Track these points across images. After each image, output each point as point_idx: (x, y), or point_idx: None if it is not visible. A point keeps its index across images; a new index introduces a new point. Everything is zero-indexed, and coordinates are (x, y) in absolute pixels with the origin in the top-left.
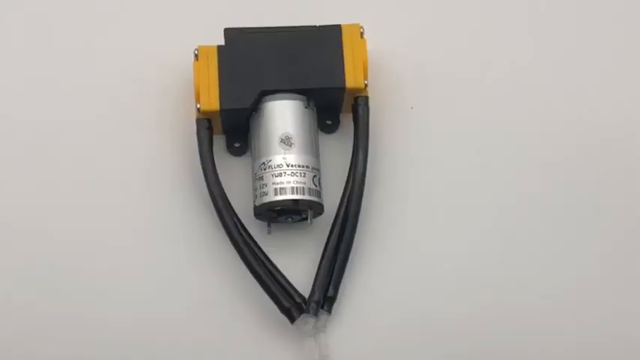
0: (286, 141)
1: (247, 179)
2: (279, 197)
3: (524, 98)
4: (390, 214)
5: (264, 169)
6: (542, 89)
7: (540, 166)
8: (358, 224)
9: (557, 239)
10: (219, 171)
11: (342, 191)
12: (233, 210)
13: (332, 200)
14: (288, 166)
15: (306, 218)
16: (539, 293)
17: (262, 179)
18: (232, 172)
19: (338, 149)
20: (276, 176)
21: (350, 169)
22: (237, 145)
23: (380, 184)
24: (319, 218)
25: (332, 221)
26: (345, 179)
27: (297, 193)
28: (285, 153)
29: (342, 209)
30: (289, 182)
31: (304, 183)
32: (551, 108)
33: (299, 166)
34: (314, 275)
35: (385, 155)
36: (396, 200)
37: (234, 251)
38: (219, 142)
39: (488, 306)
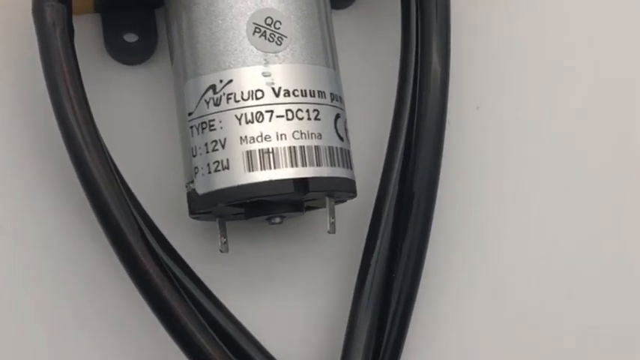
0: (268, 30)
1: (165, 123)
2: (265, 175)
3: None
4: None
5: (219, 103)
6: None
7: None
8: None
9: None
10: (95, 102)
11: (385, 148)
12: (135, 201)
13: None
14: (278, 94)
15: (301, 210)
16: None
17: (212, 128)
18: (124, 105)
19: (361, 44)
20: (250, 121)
21: (400, 94)
22: (130, 38)
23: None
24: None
25: (371, 216)
26: (382, 119)
27: (307, 164)
28: (267, 62)
29: (390, 189)
30: (284, 136)
31: (319, 137)
32: None
33: (305, 93)
34: (342, 342)
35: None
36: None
37: (141, 295)
38: (89, 33)
39: None
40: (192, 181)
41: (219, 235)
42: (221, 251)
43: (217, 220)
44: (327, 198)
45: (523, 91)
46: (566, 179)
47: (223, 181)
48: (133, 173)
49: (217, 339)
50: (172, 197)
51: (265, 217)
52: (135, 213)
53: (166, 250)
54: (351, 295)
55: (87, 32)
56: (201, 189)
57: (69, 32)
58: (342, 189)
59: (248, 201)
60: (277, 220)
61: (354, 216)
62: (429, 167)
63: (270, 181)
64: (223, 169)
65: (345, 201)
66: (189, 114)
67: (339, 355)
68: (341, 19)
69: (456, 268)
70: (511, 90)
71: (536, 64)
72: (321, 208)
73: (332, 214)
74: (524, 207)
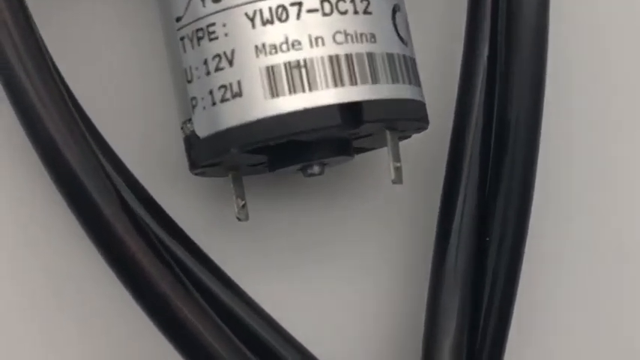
0: None
1: (147, 37)
2: (296, 102)
3: None
4: None
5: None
6: None
7: None
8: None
9: None
10: (42, 18)
11: (460, 55)
12: (112, 156)
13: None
14: None
15: (349, 153)
16: None
17: (213, 37)
18: (85, 16)
19: None
20: (269, 21)
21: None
22: None
23: None
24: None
25: (447, 160)
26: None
27: (358, 81)
28: None
29: (473, 117)
30: (321, 41)
31: (372, 39)
32: None
33: None
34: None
35: None
36: None
37: (130, 292)
38: None
39: None
40: (190, 120)
41: (234, 197)
42: (239, 219)
43: (230, 176)
44: (387, 132)
45: None
46: None
47: (234, 115)
48: (105, 116)
49: (239, 344)
50: (166, 147)
51: (298, 166)
52: (112, 173)
53: (162, 224)
54: (427, 276)
55: None
56: (202, 130)
57: None
58: (409, 116)
59: (272, 144)
60: (316, 169)
61: (422, 160)
62: (531, 77)
63: (305, 111)
64: (233, 97)
65: (410, 136)
66: (177, 19)
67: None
68: None
69: (572, 228)
70: None
71: None
72: (375, 149)
73: (396, 155)
74: None
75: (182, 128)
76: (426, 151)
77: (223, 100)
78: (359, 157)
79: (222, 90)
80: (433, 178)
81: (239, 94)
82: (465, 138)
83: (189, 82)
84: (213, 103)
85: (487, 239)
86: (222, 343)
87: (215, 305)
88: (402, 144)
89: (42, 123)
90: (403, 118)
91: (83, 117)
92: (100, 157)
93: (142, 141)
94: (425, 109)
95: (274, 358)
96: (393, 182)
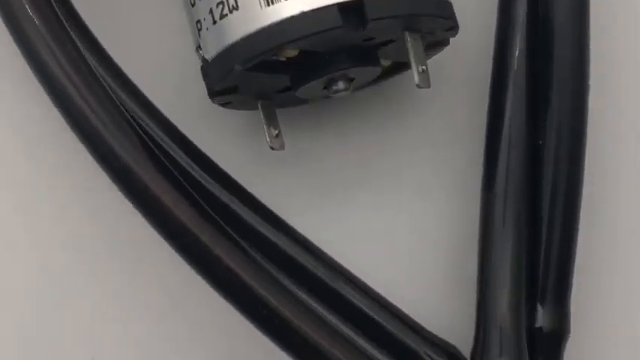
0: None
1: None
2: (293, 6)
3: None
4: None
5: None
6: None
7: None
8: None
9: None
10: None
11: None
12: (134, 92)
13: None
14: None
15: (374, 63)
16: None
17: None
18: None
19: None
20: None
21: None
22: None
23: None
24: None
25: (491, 70)
26: None
27: None
28: None
29: (518, 19)
30: None
31: None
32: None
33: None
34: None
35: None
36: None
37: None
38: None
39: None
40: (200, 46)
41: (265, 127)
42: (272, 148)
43: (260, 104)
44: (406, 34)
45: None
46: None
47: (233, 29)
48: (128, 49)
49: (272, 272)
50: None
51: (322, 83)
52: (133, 111)
53: (196, 160)
54: (477, 198)
55: None
56: (209, 51)
57: None
58: (424, 11)
59: (282, 58)
60: (341, 85)
61: (461, 72)
62: None
63: (304, 15)
64: (231, 11)
65: (444, 44)
66: None
67: (465, 291)
68: None
69: None
70: None
71: None
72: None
73: (419, 58)
74: None
75: (199, 57)
76: (470, 62)
77: (222, 16)
78: (395, 80)
79: (220, 7)
80: (474, 96)
81: (236, 7)
82: (508, 41)
83: (193, 5)
84: (214, 22)
85: (540, 142)
86: (250, 271)
87: (257, 239)
88: (437, 60)
89: (52, 75)
90: (418, 13)
91: (105, 59)
92: (121, 93)
93: (178, 83)
94: (449, 6)
95: (326, 289)
96: (418, 87)
